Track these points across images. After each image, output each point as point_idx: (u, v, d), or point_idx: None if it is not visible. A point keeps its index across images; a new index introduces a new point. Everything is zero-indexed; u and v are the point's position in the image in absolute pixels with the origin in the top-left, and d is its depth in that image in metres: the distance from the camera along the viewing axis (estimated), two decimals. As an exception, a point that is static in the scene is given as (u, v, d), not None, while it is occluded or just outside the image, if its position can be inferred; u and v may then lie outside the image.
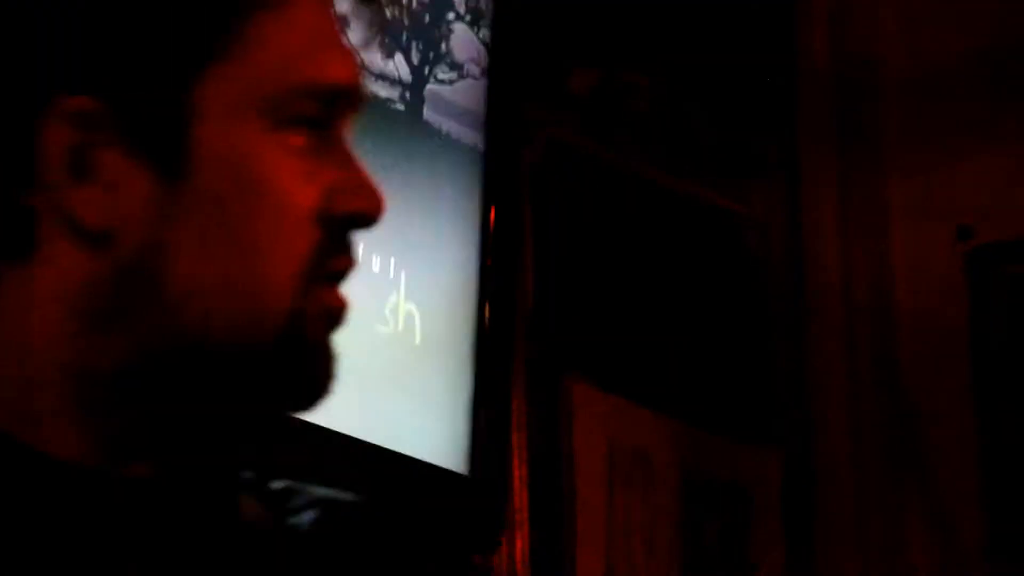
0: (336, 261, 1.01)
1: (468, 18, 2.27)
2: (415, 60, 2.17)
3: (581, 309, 2.62)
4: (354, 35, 1.95)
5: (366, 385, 1.98)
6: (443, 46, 2.22)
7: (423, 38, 2.18)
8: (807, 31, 2.93)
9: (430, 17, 2.21)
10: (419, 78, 2.17)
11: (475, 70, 2.28)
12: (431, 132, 2.20)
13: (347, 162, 1.02)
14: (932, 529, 2.79)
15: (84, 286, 0.99)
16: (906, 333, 2.84)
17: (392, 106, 2.12)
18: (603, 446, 2.58)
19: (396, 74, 2.12)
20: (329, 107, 1.01)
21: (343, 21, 1.03)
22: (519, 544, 2.41)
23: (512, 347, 2.36)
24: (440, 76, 2.20)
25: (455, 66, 2.24)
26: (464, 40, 2.26)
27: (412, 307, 2.13)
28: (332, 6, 1.06)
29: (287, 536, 1.31)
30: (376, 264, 2.06)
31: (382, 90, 2.09)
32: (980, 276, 2.79)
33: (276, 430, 1.10)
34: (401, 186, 2.09)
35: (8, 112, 0.99)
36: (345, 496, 2.04)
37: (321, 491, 1.98)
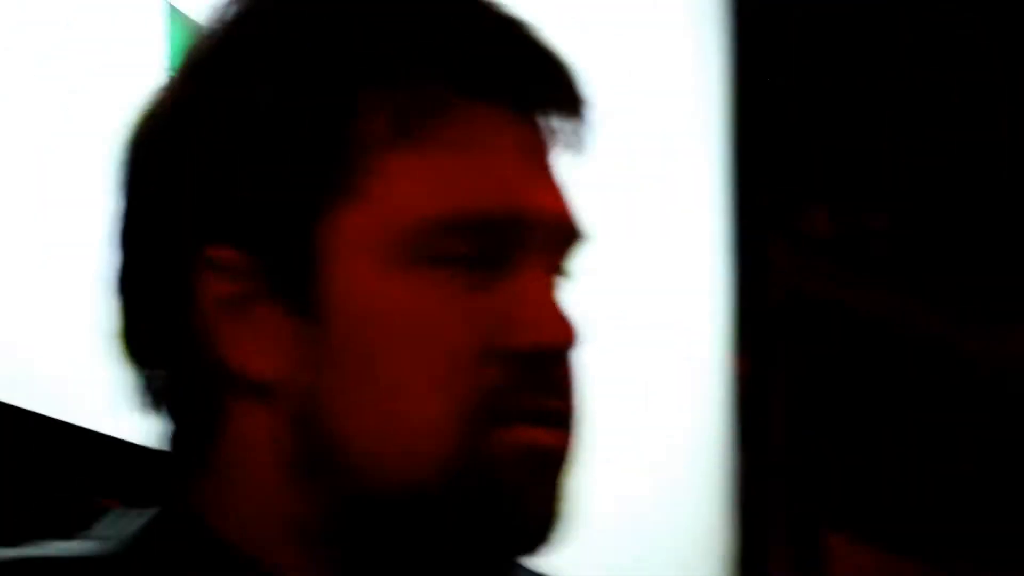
0: (529, 399, 0.96)
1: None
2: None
3: (834, 458, 2.60)
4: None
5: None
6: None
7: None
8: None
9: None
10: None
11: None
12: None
13: (528, 295, 0.97)
14: None
15: (271, 444, 0.99)
16: None
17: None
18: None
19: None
20: (486, 235, 0.97)
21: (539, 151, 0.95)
22: None
23: (768, 501, 2.34)
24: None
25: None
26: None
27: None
28: (527, 130, 1.00)
29: None
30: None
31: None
32: None
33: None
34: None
35: (165, 265, 0.99)
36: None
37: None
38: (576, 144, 1.00)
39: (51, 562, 1.03)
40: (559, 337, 0.96)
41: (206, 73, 0.99)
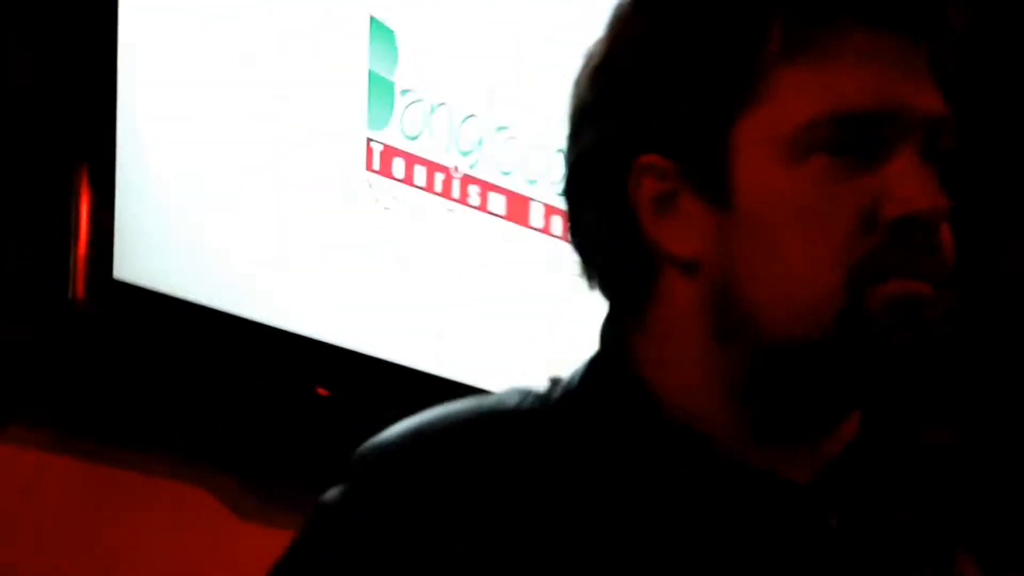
0: (903, 258, 1.13)
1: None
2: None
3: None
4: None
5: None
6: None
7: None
8: None
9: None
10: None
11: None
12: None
13: (902, 174, 1.14)
14: None
15: (698, 310, 1.19)
16: None
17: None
18: None
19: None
20: (865, 129, 1.14)
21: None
22: None
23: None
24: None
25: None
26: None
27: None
28: (901, 43, 1.15)
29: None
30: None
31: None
32: None
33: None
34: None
35: (608, 173, 1.20)
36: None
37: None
38: (946, 57, 1.19)
39: (513, 415, 1.24)
40: (928, 206, 1.13)
41: (637, 22, 1.21)
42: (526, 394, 1.25)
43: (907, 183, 1.13)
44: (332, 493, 1.22)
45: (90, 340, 1.88)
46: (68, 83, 1.86)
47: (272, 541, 2.10)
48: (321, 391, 2.05)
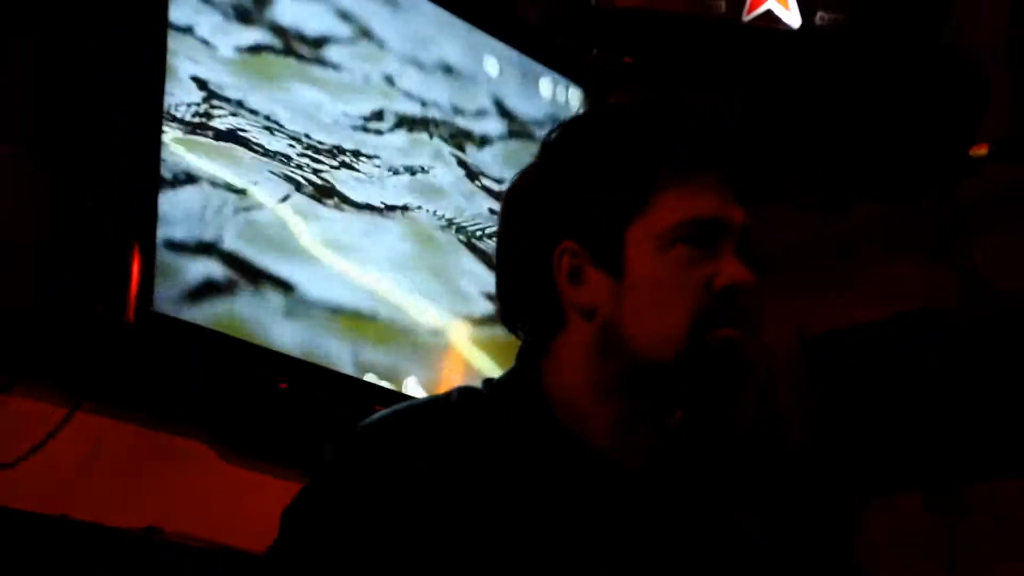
0: (727, 314, 1.51)
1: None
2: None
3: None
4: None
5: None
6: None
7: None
8: None
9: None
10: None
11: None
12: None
13: (726, 261, 1.51)
14: None
15: (590, 342, 1.55)
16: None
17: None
18: None
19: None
20: (706, 231, 1.52)
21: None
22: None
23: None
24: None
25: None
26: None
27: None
28: (725, 181, 1.53)
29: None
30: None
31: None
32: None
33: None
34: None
35: (538, 253, 1.55)
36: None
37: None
38: (747, 187, 1.55)
39: (452, 406, 1.57)
40: (742, 279, 1.52)
41: (566, 151, 1.57)
42: (466, 391, 1.61)
43: (729, 265, 1.53)
44: (330, 456, 1.55)
45: (137, 348, 2.58)
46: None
47: (251, 486, 2.62)
48: (282, 385, 2.75)
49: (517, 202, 1.61)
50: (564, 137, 1.60)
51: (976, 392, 3.67)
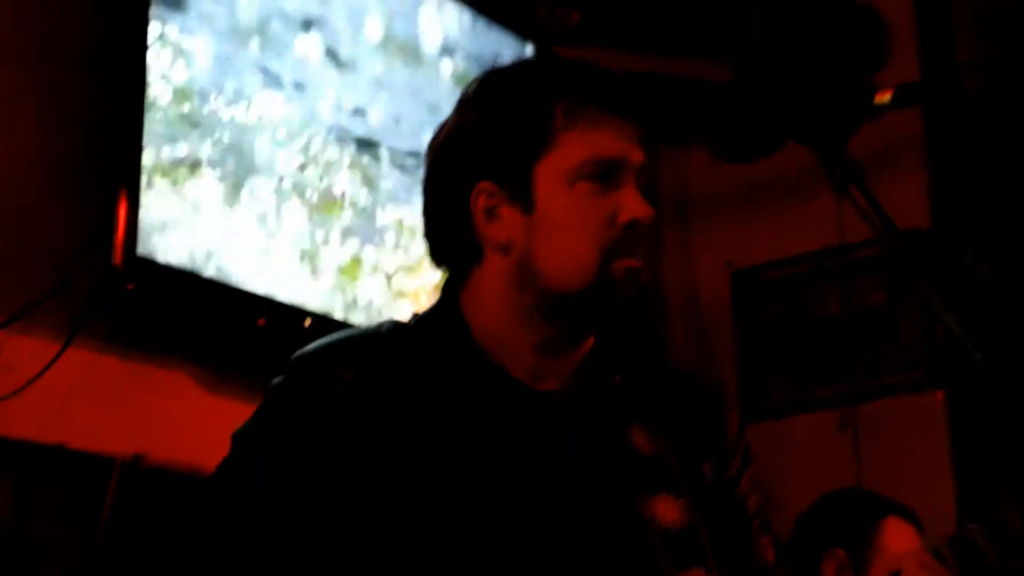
0: (629, 245, 1.62)
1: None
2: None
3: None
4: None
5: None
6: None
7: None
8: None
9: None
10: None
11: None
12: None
13: (627, 197, 1.63)
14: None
15: (507, 275, 1.66)
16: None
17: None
18: None
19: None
20: (607, 168, 1.63)
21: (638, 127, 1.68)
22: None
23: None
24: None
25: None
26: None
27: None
28: (624, 123, 1.65)
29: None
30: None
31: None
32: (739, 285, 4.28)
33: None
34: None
35: (457, 195, 1.66)
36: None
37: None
38: (648, 131, 1.66)
39: (381, 336, 1.70)
40: (642, 215, 1.64)
41: (478, 101, 1.70)
42: (393, 323, 1.74)
43: (630, 201, 1.66)
44: (276, 382, 1.69)
45: (126, 292, 2.79)
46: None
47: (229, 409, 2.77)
48: (260, 322, 2.98)
49: (438, 150, 1.73)
50: (477, 88, 1.73)
51: (878, 315, 3.92)
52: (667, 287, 4.24)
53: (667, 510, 1.64)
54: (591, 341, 1.71)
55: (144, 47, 2.85)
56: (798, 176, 4.03)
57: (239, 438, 1.67)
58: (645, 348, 1.72)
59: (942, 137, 3.98)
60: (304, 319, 3.04)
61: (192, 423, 2.90)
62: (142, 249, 2.82)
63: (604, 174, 1.65)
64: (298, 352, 1.68)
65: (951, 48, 4.03)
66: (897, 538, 2.86)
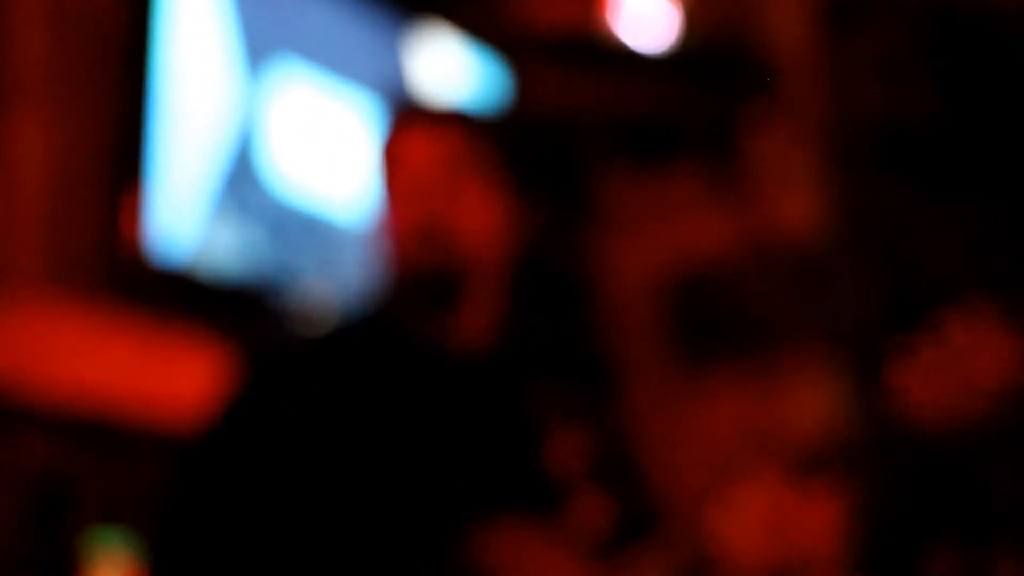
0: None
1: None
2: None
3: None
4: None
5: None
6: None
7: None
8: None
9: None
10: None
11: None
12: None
13: None
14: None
15: None
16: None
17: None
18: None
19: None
20: None
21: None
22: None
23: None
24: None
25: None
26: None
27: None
28: None
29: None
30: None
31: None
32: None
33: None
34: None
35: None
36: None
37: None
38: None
39: (320, 341, 1.88)
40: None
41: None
42: (341, 324, 1.92)
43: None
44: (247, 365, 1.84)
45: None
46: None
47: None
48: None
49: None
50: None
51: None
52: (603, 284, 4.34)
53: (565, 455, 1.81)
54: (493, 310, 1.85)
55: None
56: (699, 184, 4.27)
57: (211, 419, 1.87)
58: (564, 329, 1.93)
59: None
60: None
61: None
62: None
63: None
64: (268, 349, 1.94)
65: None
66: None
